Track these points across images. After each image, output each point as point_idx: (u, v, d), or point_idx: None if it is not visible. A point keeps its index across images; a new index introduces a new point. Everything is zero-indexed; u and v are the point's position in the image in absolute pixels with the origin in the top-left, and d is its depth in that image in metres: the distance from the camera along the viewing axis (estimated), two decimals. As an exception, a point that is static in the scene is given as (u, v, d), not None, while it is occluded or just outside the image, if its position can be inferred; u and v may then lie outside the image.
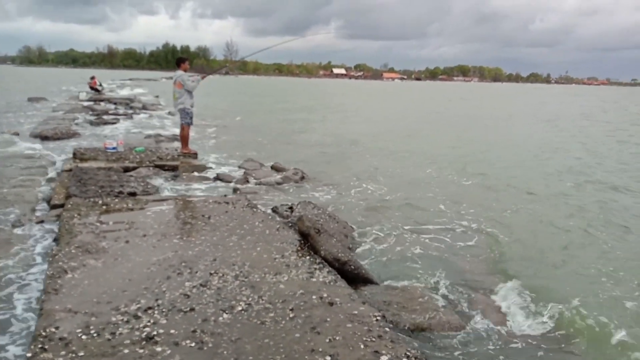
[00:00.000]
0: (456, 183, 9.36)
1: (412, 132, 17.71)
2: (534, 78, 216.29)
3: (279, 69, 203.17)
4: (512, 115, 28.80)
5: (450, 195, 8.20)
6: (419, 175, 9.94)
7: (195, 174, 8.56)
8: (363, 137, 15.34)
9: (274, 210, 6.56)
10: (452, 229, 6.42)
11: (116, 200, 5.93)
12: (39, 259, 4.62)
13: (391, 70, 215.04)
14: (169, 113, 19.49)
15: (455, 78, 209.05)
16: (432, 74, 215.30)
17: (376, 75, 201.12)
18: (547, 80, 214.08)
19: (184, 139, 9.52)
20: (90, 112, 18.32)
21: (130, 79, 62.05)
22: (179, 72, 9.19)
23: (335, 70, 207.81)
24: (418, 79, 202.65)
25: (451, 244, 5.88)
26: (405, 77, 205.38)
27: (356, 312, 3.43)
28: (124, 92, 33.49)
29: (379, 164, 10.91)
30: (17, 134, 12.47)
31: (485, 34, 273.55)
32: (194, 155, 9.55)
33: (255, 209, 6.03)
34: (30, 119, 16.55)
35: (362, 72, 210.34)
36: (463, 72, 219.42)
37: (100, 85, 29.03)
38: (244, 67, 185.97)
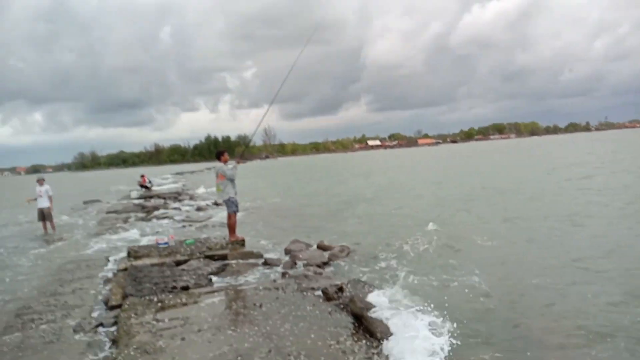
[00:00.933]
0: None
1: (468, 199, 17.47)
2: (572, 128, 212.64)
3: (316, 148, 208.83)
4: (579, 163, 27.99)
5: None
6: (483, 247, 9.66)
7: (244, 261, 8.67)
8: (407, 209, 15.25)
9: (324, 292, 6.48)
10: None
11: (170, 296, 6.06)
12: (100, 363, 4.70)
13: (425, 136, 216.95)
14: (215, 203, 20.16)
15: (491, 137, 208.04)
16: (468, 135, 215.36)
17: (411, 142, 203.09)
18: (586, 128, 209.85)
19: (231, 227, 9.78)
20: (142, 209, 19.19)
21: (177, 173, 65.19)
22: (219, 165, 9.72)
23: (370, 142, 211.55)
24: (454, 141, 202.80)
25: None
26: (440, 141, 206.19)
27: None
28: (172, 186, 35.05)
29: (423, 235, 10.74)
30: (74, 238, 13.14)
31: (515, 90, 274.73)
32: (242, 242, 9.73)
33: (305, 293, 6.01)
34: (87, 220, 17.48)
35: (396, 142, 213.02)
36: (499, 130, 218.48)
37: (150, 182, 30.59)
38: (282, 150, 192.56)
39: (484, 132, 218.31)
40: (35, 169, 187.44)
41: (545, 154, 46.21)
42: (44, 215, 14.44)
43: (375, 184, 26.63)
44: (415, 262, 8.23)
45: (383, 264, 8.22)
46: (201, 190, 28.32)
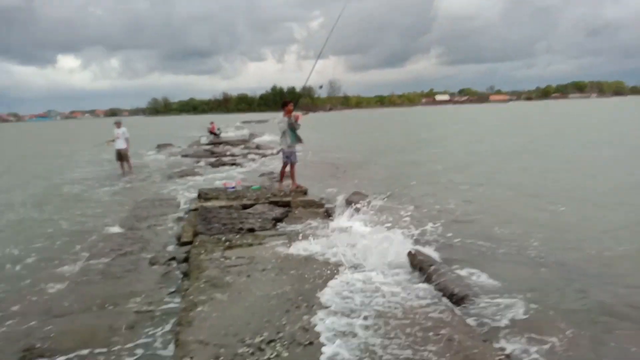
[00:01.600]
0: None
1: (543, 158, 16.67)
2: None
3: (381, 101, 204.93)
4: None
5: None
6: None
7: (306, 209, 8.84)
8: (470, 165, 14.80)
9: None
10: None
11: (237, 236, 6.35)
12: (172, 294, 5.07)
13: (498, 92, 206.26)
14: (279, 152, 20.53)
15: (570, 95, 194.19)
16: (544, 93, 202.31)
17: (482, 98, 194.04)
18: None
19: (281, 175, 10.27)
20: (211, 154, 19.95)
21: (244, 122, 66.60)
22: (279, 117, 9.97)
23: (438, 97, 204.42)
24: (529, 99, 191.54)
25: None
26: (514, 97, 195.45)
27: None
28: (239, 134, 35.98)
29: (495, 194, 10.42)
30: (148, 177, 13.95)
31: (599, 46, 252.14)
32: (304, 191, 9.91)
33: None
34: (160, 163, 18.46)
35: (466, 97, 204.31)
36: (579, 88, 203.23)
37: (219, 129, 31.54)
38: (346, 102, 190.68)
39: (563, 90, 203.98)
40: (112, 112, 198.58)
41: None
42: (121, 156, 15.38)
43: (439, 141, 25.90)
44: (463, 224, 8.06)
45: (436, 226, 8.08)
46: (266, 138, 28.82)
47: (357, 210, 7.35)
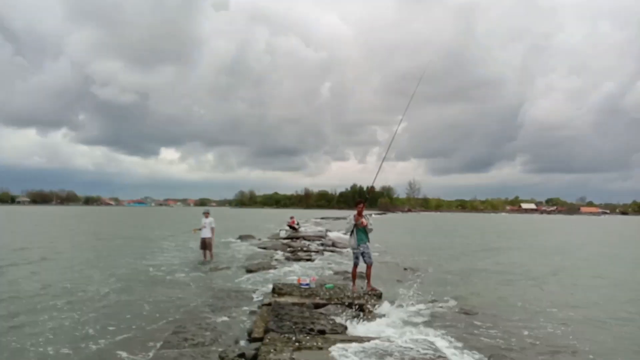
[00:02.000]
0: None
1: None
2: None
3: (462, 205, 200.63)
4: None
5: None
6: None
7: (381, 313, 8.52)
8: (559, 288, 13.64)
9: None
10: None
11: (307, 337, 6.20)
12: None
13: (590, 204, 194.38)
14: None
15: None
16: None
17: (572, 209, 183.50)
18: None
19: (353, 276, 10.23)
20: (288, 249, 20.25)
21: (322, 218, 67.75)
22: (350, 216, 10.18)
23: (524, 205, 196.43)
24: (624, 213, 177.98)
25: None
26: (607, 211, 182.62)
27: None
28: (317, 229, 36.47)
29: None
30: (228, 268, 14.33)
31: None
32: (379, 294, 9.62)
33: (442, 357, 5.65)
34: (240, 254, 19.00)
35: (555, 207, 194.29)
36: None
37: (298, 224, 32.27)
38: (426, 204, 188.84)
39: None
40: (202, 202, 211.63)
41: None
42: (205, 245, 16.08)
43: (531, 253, 24.42)
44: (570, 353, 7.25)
45: (528, 344, 7.38)
46: (342, 235, 28.84)
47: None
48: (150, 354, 6.19)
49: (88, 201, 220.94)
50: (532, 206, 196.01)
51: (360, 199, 10.50)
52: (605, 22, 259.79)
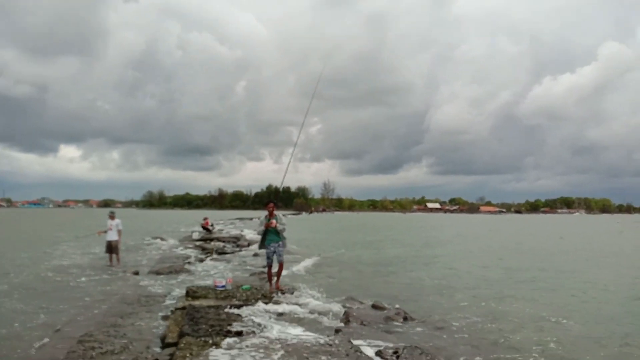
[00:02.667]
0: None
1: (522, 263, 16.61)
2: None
3: (373, 205, 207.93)
4: None
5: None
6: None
7: (297, 311, 8.58)
8: (470, 271, 14.66)
9: (379, 354, 6.26)
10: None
11: (225, 339, 6.08)
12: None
13: (488, 203, 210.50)
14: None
15: (559, 210, 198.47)
16: (533, 207, 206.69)
17: (472, 209, 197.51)
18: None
19: (269, 276, 10.32)
20: (201, 251, 19.71)
21: (238, 218, 66.79)
22: (262, 217, 10.18)
23: (430, 205, 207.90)
24: (518, 212, 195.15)
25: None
26: (504, 210, 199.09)
27: None
28: (232, 231, 35.88)
29: (486, 297, 10.22)
30: (137, 272, 13.64)
31: (585, 165, 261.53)
32: (290, 292, 9.81)
33: (359, 353, 5.82)
34: (150, 256, 18.15)
35: (457, 206, 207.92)
36: (567, 204, 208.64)
37: (212, 225, 31.49)
38: (339, 204, 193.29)
39: (551, 205, 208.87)
40: (106, 203, 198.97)
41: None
42: (112, 248, 15.16)
43: (436, 247, 25.91)
44: (472, 335, 7.81)
45: (440, 333, 7.84)
46: (258, 236, 28.69)
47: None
48: (52, 367, 5.72)
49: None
50: (437, 205, 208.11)
51: (270, 199, 10.52)
52: (503, 37, 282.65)
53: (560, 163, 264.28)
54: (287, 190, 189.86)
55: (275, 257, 9.91)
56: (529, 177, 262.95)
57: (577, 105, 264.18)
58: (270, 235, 9.86)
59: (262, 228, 9.92)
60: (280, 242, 9.91)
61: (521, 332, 7.98)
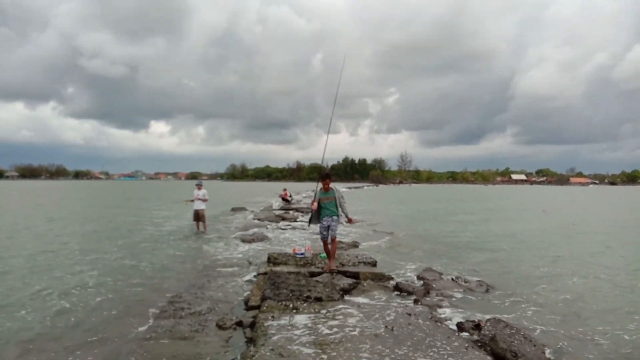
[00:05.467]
0: None
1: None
2: None
3: (453, 177, 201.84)
4: None
5: None
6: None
7: (375, 282, 8.58)
8: (550, 243, 13.83)
9: (459, 326, 6.11)
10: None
11: (305, 304, 6.22)
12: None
13: (579, 174, 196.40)
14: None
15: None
16: (631, 178, 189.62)
17: (562, 180, 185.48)
18: None
19: (326, 252, 9.13)
20: (282, 220, 20.28)
21: (314, 190, 67.73)
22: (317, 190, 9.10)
23: (514, 176, 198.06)
24: (613, 183, 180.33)
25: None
26: (597, 181, 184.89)
27: None
28: (310, 201, 36.52)
29: (568, 270, 9.59)
30: (222, 239, 14.33)
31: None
32: (373, 263, 9.70)
33: (439, 324, 5.70)
34: (234, 225, 18.99)
35: (545, 178, 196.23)
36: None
37: (290, 196, 32.26)
38: (417, 176, 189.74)
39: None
40: (193, 176, 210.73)
41: None
42: (199, 216, 16.02)
43: (521, 221, 24.68)
44: (556, 309, 7.36)
45: (524, 306, 7.49)
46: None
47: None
48: (148, 324, 6.18)
49: (78, 175, 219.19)
50: (523, 177, 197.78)
51: (327, 173, 9.18)
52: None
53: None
54: (363, 162, 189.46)
55: (329, 233, 8.77)
56: (626, 146, 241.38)
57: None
58: (326, 209, 8.84)
59: (314, 207, 8.90)
60: (335, 217, 8.79)
61: (607, 309, 7.41)
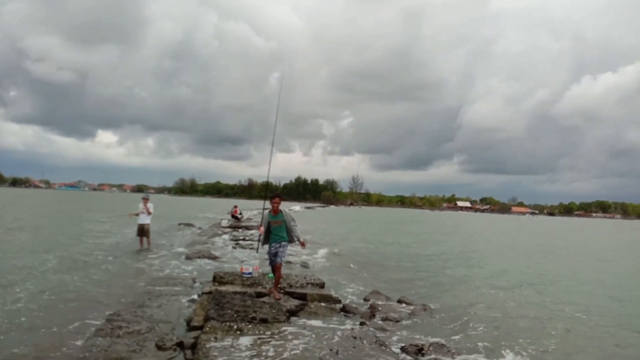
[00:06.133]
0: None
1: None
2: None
3: (402, 201, 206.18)
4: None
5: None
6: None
7: (323, 304, 8.54)
8: (497, 274, 14.33)
9: (403, 349, 6.16)
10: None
11: (249, 325, 6.09)
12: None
13: (520, 204, 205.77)
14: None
15: (594, 214, 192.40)
16: (567, 210, 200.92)
17: (504, 209, 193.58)
18: None
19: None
20: (230, 238, 19.92)
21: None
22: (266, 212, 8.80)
23: (460, 203, 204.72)
24: (551, 214, 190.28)
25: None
26: (536, 211, 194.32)
27: None
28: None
29: (508, 297, 9.95)
30: (165, 255, 13.88)
31: (624, 168, 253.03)
32: (321, 285, 9.68)
33: (384, 347, 5.73)
34: (179, 241, 18.46)
35: (488, 206, 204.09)
36: (602, 208, 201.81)
37: (241, 213, 31.83)
38: (367, 199, 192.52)
39: (586, 208, 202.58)
40: (139, 189, 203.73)
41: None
42: (143, 231, 15.44)
43: (465, 244, 25.46)
44: (501, 330, 7.60)
45: (468, 331, 7.67)
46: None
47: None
48: (82, 342, 5.84)
49: (15, 182, 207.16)
50: (468, 204, 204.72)
51: (276, 193, 8.74)
52: (543, 33, 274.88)
53: (597, 165, 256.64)
54: (315, 182, 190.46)
55: (276, 259, 8.34)
56: (563, 179, 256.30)
57: (618, 105, 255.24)
58: (274, 235, 8.43)
59: (260, 231, 8.64)
60: (284, 242, 8.41)
61: (549, 327, 7.73)
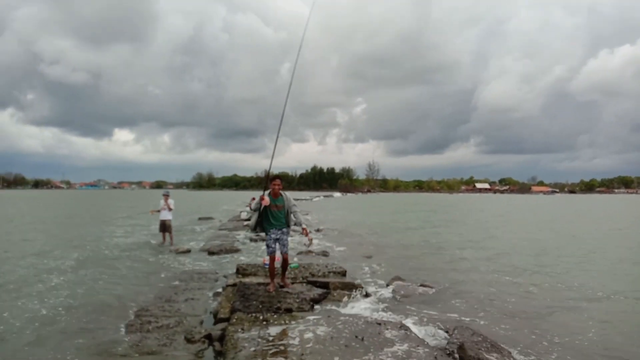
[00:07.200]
0: None
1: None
2: None
3: (419, 186, 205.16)
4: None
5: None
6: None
7: (345, 291, 8.61)
8: (519, 254, 14.23)
9: (428, 334, 6.20)
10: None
11: (275, 315, 6.18)
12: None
13: (540, 183, 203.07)
14: (317, 230, 20.57)
15: (616, 190, 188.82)
16: (589, 187, 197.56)
17: (523, 189, 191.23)
18: None
19: (270, 272, 7.84)
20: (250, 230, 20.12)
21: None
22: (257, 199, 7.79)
23: (479, 185, 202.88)
24: (572, 191, 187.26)
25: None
26: (557, 190, 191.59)
27: None
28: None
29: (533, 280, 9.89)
30: (189, 251, 14.10)
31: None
32: (343, 273, 9.75)
33: (408, 332, 5.76)
34: (201, 236, 18.71)
35: (507, 186, 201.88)
36: (625, 183, 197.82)
37: (258, 205, 32.01)
38: (384, 185, 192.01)
39: (608, 185, 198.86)
40: (158, 185, 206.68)
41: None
42: (165, 227, 15.70)
43: (488, 228, 25.29)
44: (530, 314, 7.58)
45: (489, 311, 7.67)
46: (307, 217, 29.00)
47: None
48: (112, 338, 6.00)
49: (37, 184, 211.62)
50: (486, 186, 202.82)
51: (277, 175, 7.92)
52: (556, 8, 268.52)
53: (617, 140, 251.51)
54: (331, 171, 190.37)
55: (278, 247, 7.65)
56: (583, 156, 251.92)
57: (637, 78, 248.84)
58: (273, 218, 7.62)
59: (264, 202, 7.49)
60: (285, 229, 7.72)
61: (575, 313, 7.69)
